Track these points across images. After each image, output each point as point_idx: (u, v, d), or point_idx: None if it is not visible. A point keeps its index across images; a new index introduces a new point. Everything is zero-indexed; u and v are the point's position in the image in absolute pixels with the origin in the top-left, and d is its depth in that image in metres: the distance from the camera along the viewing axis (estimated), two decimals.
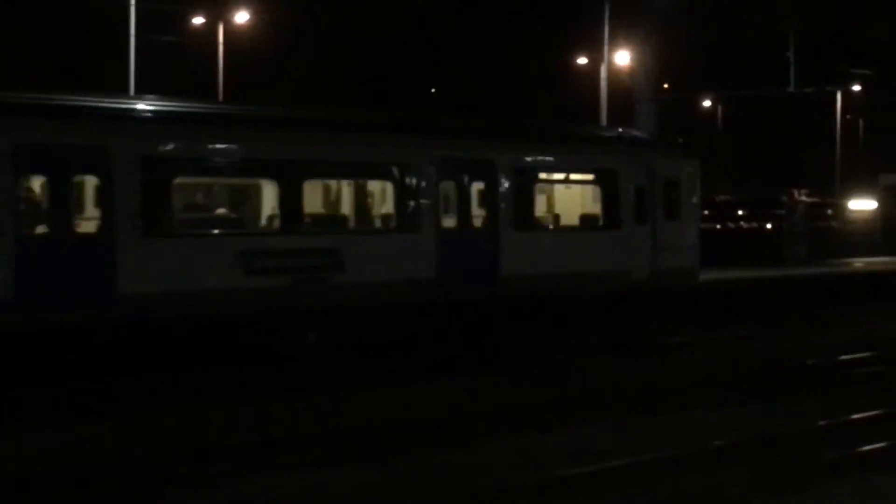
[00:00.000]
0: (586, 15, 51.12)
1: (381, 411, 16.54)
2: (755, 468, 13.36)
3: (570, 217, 23.49)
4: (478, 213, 21.30)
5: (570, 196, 23.67)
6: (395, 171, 20.27)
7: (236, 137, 18.93)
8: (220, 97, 49.69)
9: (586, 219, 23.65)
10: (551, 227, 23.16)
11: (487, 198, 21.30)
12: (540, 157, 22.71)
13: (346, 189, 21.05)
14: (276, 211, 19.23)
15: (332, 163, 20.01)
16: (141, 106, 19.19)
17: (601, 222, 23.46)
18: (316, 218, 20.14)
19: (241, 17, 54.42)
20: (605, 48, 47.20)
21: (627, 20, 48.17)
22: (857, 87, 75.82)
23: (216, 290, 18.00)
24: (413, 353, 20.49)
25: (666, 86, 70.17)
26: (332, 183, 20.86)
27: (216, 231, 18.99)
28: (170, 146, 18.09)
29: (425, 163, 20.47)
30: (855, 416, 16.26)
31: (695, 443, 14.55)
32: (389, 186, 20.53)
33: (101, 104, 18.38)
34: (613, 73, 49.76)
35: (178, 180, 18.39)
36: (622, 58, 50.91)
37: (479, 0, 71.19)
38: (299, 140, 19.44)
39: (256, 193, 19.87)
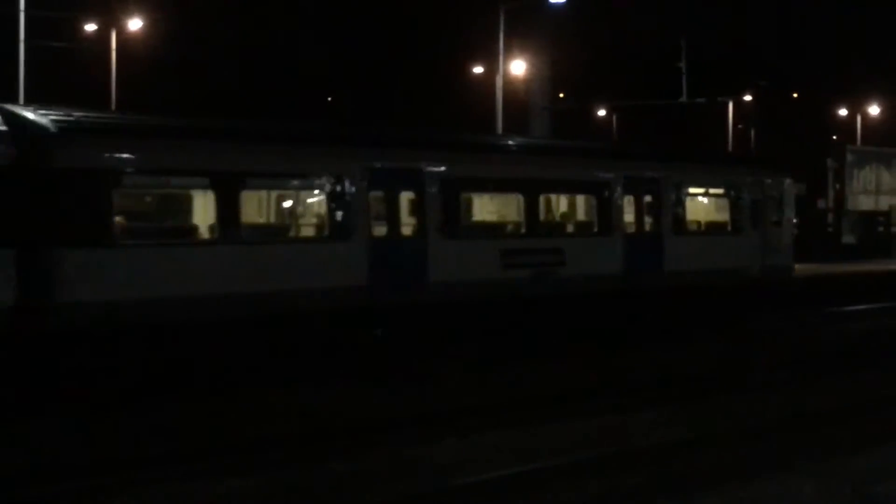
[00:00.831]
0: (482, 25, 51.35)
1: (281, 419, 16.52)
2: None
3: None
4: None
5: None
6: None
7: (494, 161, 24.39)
8: (113, 105, 49.10)
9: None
10: None
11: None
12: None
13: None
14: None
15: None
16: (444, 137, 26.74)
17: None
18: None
19: (135, 23, 53.85)
20: (501, 58, 47.42)
21: (523, 30, 48.52)
22: (748, 97, 77.10)
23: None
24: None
25: (562, 95, 70.81)
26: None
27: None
28: (465, 170, 22.92)
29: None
30: None
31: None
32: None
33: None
34: (509, 82, 50.02)
35: (464, 196, 23.33)
36: (518, 67, 51.21)
37: (376, 9, 71.22)
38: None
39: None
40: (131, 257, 18.20)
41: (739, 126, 79.89)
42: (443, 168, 22.46)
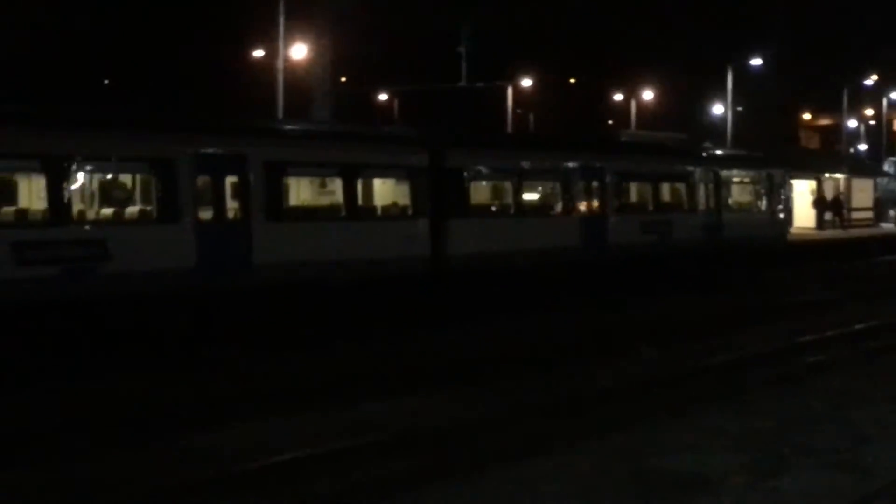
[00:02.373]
0: (262, 8, 50.82)
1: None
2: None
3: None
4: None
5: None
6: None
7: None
8: None
9: None
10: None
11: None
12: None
13: None
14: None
15: None
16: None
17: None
18: None
19: None
20: (281, 42, 47.05)
21: (303, 14, 48.19)
22: (527, 82, 78.28)
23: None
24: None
25: (343, 79, 70.64)
26: None
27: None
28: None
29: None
30: None
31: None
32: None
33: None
34: (290, 66, 49.66)
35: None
36: (299, 51, 50.87)
37: None
38: None
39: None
40: (478, 225, 27.89)
41: (519, 111, 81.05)
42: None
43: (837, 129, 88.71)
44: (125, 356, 19.83)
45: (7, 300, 18.82)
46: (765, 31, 78.00)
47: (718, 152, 42.65)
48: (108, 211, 21.46)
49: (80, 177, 20.69)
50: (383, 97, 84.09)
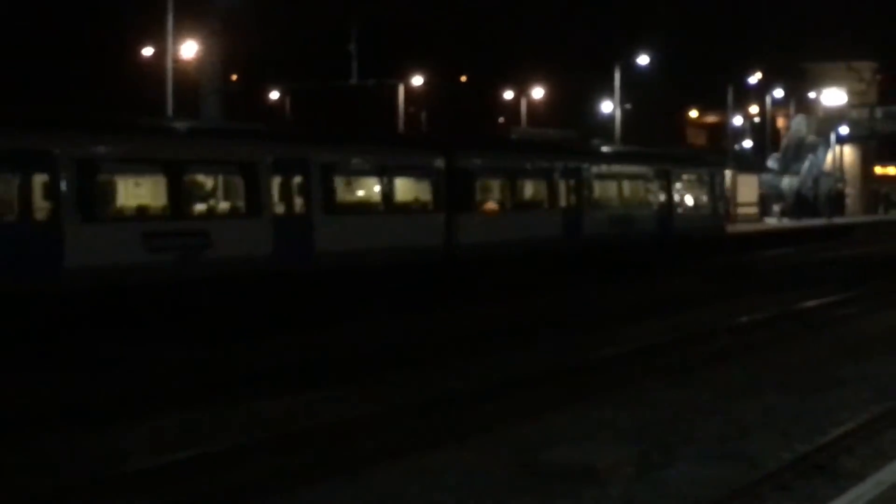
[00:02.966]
0: (152, 6, 50.27)
1: None
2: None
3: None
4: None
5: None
6: None
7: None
8: None
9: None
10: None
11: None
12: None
13: None
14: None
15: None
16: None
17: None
18: None
19: None
20: (170, 39, 46.59)
21: (193, 12, 47.80)
22: (418, 80, 78.41)
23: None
24: None
25: (234, 77, 70.13)
26: None
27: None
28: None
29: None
30: None
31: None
32: None
33: None
34: (180, 64, 49.20)
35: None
36: (189, 49, 50.43)
37: None
38: None
39: None
40: (482, 218, 31.87)
41: (411, 109, 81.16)
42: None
43: (723, 126, 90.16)
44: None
45: (138, 280, 22.44)
46: (653, 29, 78.99)
47: (673, 153, 48.41)
48: (209, 206, 25.23)
49: (190, 178, 24.67)
50: (275, 95, 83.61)
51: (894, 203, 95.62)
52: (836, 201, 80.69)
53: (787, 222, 70.85)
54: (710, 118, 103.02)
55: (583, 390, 17.52)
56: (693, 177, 43.88)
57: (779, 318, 26.78)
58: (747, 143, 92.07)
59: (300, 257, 25.90)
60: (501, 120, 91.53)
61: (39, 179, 21.66)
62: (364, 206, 29.35)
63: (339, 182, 28.13)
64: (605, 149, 44.04)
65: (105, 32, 69.25)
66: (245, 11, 52.01)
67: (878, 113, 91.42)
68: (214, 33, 45.83)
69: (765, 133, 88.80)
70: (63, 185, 21.63)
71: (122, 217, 23.65)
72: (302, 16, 71.66)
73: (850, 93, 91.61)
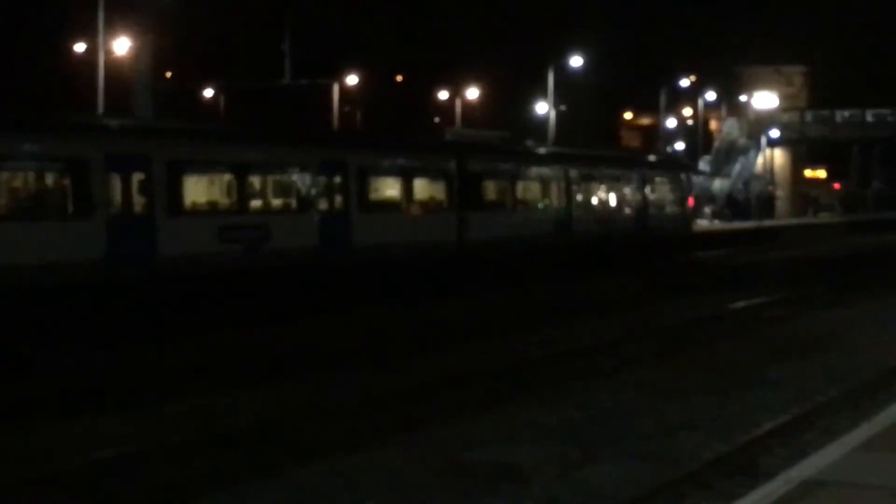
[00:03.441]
0: (84, 2, 49.85)
1: None
2: None
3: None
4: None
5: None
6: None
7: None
8: None
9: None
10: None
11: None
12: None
13: None
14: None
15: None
16: None
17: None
18: None
19: None
20: (101, 35, 46.22)
21: (126, 8, 47.47)
22: (353, 80, 78.33)
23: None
24: None
25: (169, 75, 69.73)
26: None
27: None
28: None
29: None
30: None
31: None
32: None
33: None
34: (112, 61, 48.83)
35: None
36: (121, 46, 50.08)
37: None
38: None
39: None
40: (489, 216, 34.97)
41: (346, 108, 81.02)
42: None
43: (657, 128, 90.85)
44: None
45: (212, 267, 25.00)
46: (587, 31, 79.42)
47: (647, 158, 52.88)
48: (268, 203, 27.95)
49: (253, 178, 27.47)
50: (209, 93, 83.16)
51: (824, 206, 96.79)
52: (766, 204, 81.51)
53: (718, 224, 71.50)
54: (644, 120, 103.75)
55: (509, 392, 17.61)
56: (664, 180, 47.38)
57: (707, 319, 27.07)
58: (680, 146, 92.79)
59: (340, 250, 28.89)
60: (437, 120, 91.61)
61: (136, 178, 23.94)
62: (391, 204, 31.93)
63: (371, 182, 31.11)
64: (589, 154, 46.86)
65: (37, 27, 68.57)
66: (178, 9, 51.71)
67: (809, 116, 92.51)
68: (146, 30, 45.52)
69: (697, 135, 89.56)
70: (157, 184, 24.25)
71: (200, 212, 25.83)
72: (236, 14, 71.35)
73: (781, 96, 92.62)
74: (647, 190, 45.17)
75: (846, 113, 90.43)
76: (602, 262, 39.55)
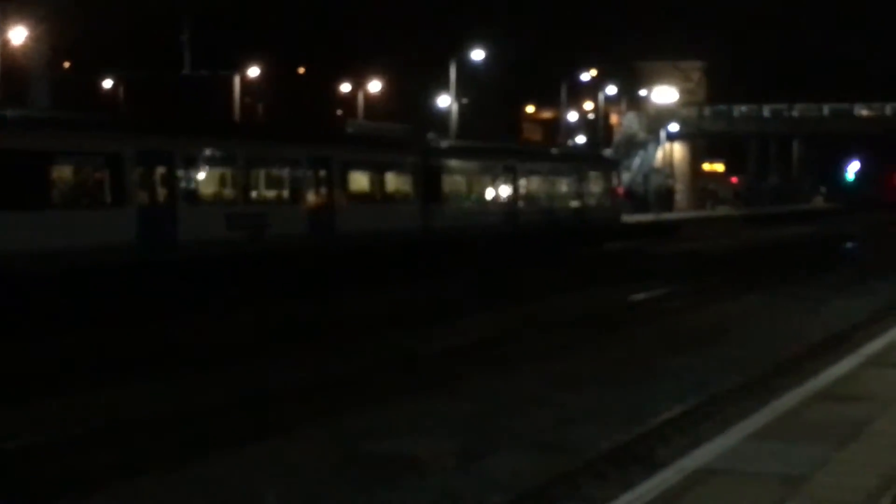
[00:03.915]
0: None
1: None
2: None
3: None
4: None
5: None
6: None
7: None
8: None
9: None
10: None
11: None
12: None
13: None
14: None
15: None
16: None
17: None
18: None
19: None
20: None
21: None
22: (254, 71, 77.83)
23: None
24: None
25: (67, 65, 68.70)
26: None
27: None
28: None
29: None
30: None
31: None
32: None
33: None
34: (9, 51, 48.04)
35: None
36: (18, 36, 49.27)
37: None
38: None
39: None
40: (450, 207, 39.27)
41: (247, 100, 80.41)
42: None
43: (558, 122, 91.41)
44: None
45: (220, 252, 28.10)
46: (489, 25, 79.65)
47: (584, 155, 59.53)
48: (266, 194, 31.57)
49: (255, 171, 30.94)
50: (108, 83, 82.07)
51: (721, 199, 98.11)
52: (665, 197, 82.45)
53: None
54: (546, 114, 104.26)
55: (409, 384, 17.64)
56: (598, 174, 52.27)
57: (607, 310, 27.33)
58: (581, 139, 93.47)
59: (326, 237, 32.33)
60: (339, 112, 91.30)
61: (160, 172, 27.31)
62: (368, 196, 35.59)
63: (351, 176, 34.66)
64: (537, 150, 53.00)
65: None
66: None
67: (707, 111, 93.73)
68: (43, 20, 44.84)
69: (598, 129, 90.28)
70: (177, 177, 27.76)
71: (211, 201, 29.20)
72: (136, 3, 70.50)
73: (681, 91, 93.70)
74: (584, 184, 49.84)
75: (743, 108, 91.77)
76: (545, 250, 43.10)
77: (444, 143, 44.24)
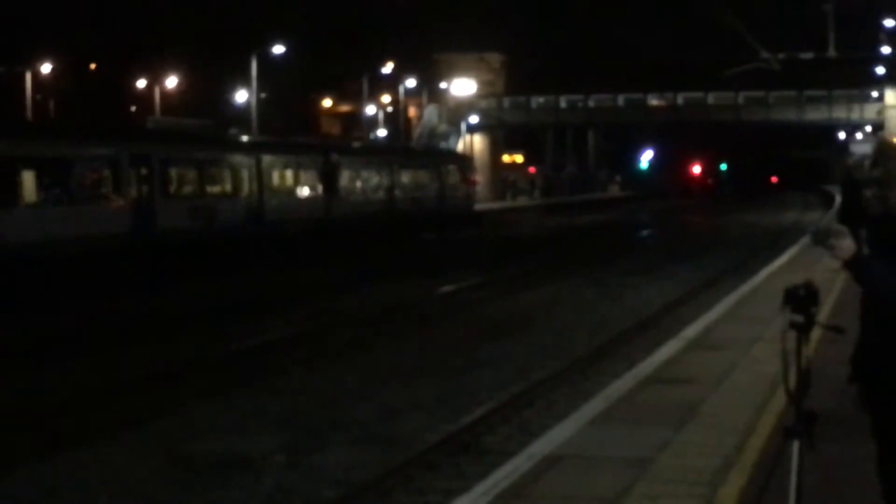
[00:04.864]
0: None
1: None
2: None
3: None
4: None
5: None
6: None
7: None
8: None
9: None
10: None
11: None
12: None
13: None
14: None
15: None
16: None
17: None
18: None
19: None
20: None
21: None
22: (46, 68, 75.87)
23: None
24: None
25: None
26: None
27: None
28: None
29: None
30: None
31: None
32: None
33: None
34: None
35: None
36: None
37: None
38: None
39: None
40: (345, 197, 48.22)
41: (38, 97, 78.26)
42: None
43: (357, 115, 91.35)
44: None
45: (183, 239, 34.79)
46: (288, 18, 79.15)
47: (441, 153, 72.36)
48: (212, 190, 38.56)
49: (209, 170, 38.55)
50: None
51: (521, 189, 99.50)
52: None
53: None
54: (344, 107, 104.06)
55: (229, 382, 17.43)
56: (454, 168, 61.62)
57: (419, 302, 27.47)
58: (382, 132, 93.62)
59: (254, 225, 39.48)
60: (133, 109, 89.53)
61: (142, 172, 34.32)
62: (289, 189, 43.89)
63: (276, 173, 42.65)
64: (408, 149, 65.22)
65: None
66: None
67: (506, 103, 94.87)
68: None
69: (398, 122, 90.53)
70: (155, 176, 34.83)
71: (179, 196, 36.63)
72: None
73: (480, 83, 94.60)
74: (445, 177, 58.92)
75: (541, 99, 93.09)
76: (416, 233, 51.35)
77: (344, 145, 55.35)
